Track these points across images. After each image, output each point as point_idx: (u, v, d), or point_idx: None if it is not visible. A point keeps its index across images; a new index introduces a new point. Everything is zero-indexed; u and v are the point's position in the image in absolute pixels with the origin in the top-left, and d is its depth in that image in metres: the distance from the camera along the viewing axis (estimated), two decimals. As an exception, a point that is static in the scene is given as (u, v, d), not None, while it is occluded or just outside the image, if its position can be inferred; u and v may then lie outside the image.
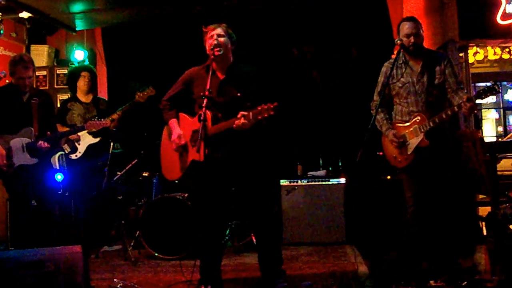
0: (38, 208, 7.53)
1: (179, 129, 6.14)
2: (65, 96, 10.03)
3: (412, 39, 6.09)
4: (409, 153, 6.14)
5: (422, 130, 6.01)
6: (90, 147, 8.36)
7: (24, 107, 7.36)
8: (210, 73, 5.72)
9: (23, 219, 7.39)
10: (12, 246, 8.69)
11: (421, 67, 6.19)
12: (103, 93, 10.00)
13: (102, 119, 7.53)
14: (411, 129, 6.12)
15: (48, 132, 7.30)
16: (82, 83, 8.74)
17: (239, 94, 5.80)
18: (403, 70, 6.28)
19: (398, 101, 6.37)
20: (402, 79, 6.26)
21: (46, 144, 7.17)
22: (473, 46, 10.22)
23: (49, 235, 7.52)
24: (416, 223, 6.21)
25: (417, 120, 6.08)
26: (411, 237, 6.30)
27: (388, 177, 8.39)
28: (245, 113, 5.45)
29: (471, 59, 10.25)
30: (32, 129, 7.26)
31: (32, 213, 7.41)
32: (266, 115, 5.39)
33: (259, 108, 5.40)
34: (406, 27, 6.15)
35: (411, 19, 6.25)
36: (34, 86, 9.77)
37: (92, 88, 8.85)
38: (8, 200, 9.14)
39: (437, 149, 6.08)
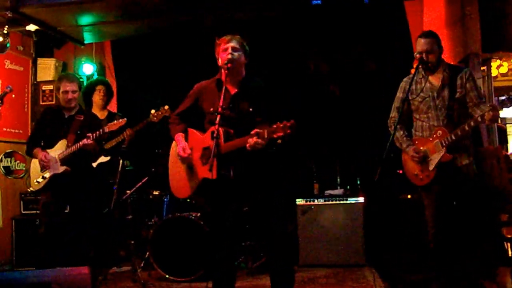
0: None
1: (184, 142, 6.06)
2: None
3: (425, 57, 6.17)
4: (430, 169, 6.14)
5: (444, 144, 6.02)
6: (100, 165, 8.40)
7: (64, 123, 7.70)
8: (223, 88, 5.68)
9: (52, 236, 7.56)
10: (17, 266, 8.76)
11: (441, 81, 6.23)
12: (113, 108, 10.02)
13: (117, 120, 7.58)
14: (433, 144, 6.13)
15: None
16: (97, 98, 8.84)
17: (251, 110, 5.77)
18: (423, 84, 6.32)
19: (418, 116, 6.38)
20: (421, 93, 6.30)
21: (90, 141, 7.35)
22: (496, 59, 10.20)
23: (56, 255, 7.57)
24: (438, 244, 6.19)
25: (438, 135, 6.09)
26: (432, 258, 6.29)
27: (409, 196, 8.37)
28: (260, 131, 5.33)
29: (494, 72, 10.24)
30: (66, 140, 7.55)
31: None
32: (282, 133, 5.22)
33: (275, 126, 5.24)
34: (419, 44, 6.25)
35: (426, 34, 6.31)
36: (41, 101, 9.92)
37: (108, 102, 8.92)
38: (13, 219, 9.23)
39: (459, 165, 6.07)
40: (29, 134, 8.43)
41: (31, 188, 8.06)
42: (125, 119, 7.59)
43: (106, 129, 7.47)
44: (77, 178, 7.61)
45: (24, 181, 10.01)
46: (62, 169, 7.49)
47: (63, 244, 7.65)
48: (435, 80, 6.29)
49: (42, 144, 7.74)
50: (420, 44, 6.24)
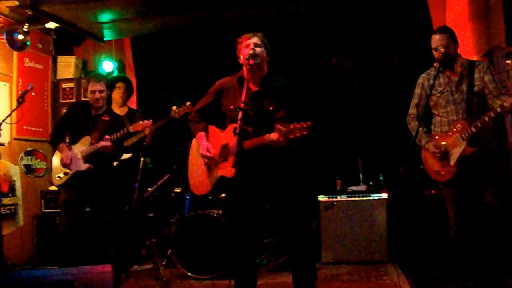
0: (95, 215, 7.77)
1: (207, 143, 6.09)
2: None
3: (438, 53, 6.19)
4: (452, 164, 6.11)
5: (465, 137, 6.00)
6: (121, 163, 8.43)
7: (91, 121, 7.78)
8: (245, 84, 5.69)
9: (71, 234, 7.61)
10: (38, 265, 8.80)
11: (459, 75, 6.23)
12: (133, 105, 10.04)
13: (144, 120, 7.61)
14: (453, 138, 6.11)
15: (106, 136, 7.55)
16: (117, 95, 8.87)
17: (271, 108, 5.76)
18: (441, 80, 6.32)
19: (436, 112, 6.37)
20: (440, 88, 6.30)
21: (108, 143, 7.42)
22: (521, 52, 10.13)
23: (77, 253, 7.62)
24: (460, 241, 6.17)
25: (458, 128, 6.07)
26: (456, 255, 6.26)
27: (433, 191, 8.33)
28: (281, 128, 5.33)
29: (519, 65, 10.18)
30: (90, 137, 7.61)
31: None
32: (298, 134, 5.25)
33: (292, 126, 5.27)
34: (434, 41, 6.27)
35: (441, 30, 6.33)
36: (61, 99, 9.99)
37: (127, 99, 8.95)
38: (34, 218, 9.27)
39: (481, 158, 6.04)
40: (55, 124, 8.41)
41: (52, 184, 8.12)
42: (150, 120, 7.63)
43: (131, 129, 7.52)
44: (98, 176, 7.65)
45: (45, 179, 10.04)
46: (85, 166, 7.54)
47: (83, 243, 7.69)
48: (453, 75, 6.29)
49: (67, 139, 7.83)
50: (435, 40, 6.26)
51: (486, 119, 5.83)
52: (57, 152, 7.83)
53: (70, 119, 7.95)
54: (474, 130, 5.92)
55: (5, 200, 9.26)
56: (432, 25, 8.90)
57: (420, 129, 6.39)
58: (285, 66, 6.53)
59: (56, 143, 7.86)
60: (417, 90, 6.58)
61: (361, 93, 10.29)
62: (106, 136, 7.42)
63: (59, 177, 7.64)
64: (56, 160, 7.79)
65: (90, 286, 5.25)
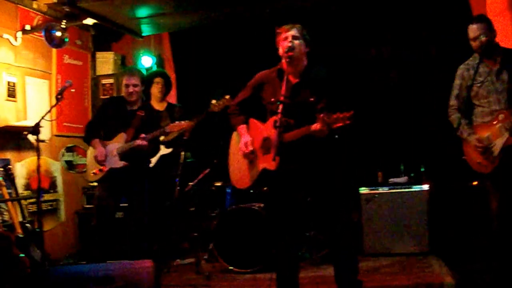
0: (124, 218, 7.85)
1: (248, 136, 6.11)
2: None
3: (478, 42, 6.11)
4: (495, 155, 6.00)
5: (508, 127, 5.90)
6: (162, 157, 8.49)
7: (126, 116, 7.79)
8: (285, 77, 5.69)
9: (101, 226, 7.70)
10: (80, 260, 8.89)
11: (499, 64, 6.15)
12: (172, 100, 10.07)
13: (181, 122, 7.64)
14: (496, 128, 6.02)
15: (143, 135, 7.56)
16: (155, 90, 8.90)
17: (312, 99, 5.70)
18: (480, 70, 6.21)
19: (477, 102, 6.29)
20: (480, 78, 6.20)
21: (144, 142, 7.44)
22: None
23: (121, 247, 7.68)
24: (504, 236, 6.11)
25: (501, 118, 5.99)
26: (498, 248, 6.20)
27: (475, 182, 8.27)
28: (325, 118, 5.30)
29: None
30: (125, 134, 7.62)
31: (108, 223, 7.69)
32: (341, 123, 5.25)
33: (335, 116, 5.25)
34: (471, 30, 6.19)
35: (477, 19, 6.25)
36: (101, 95, 10.08)
37: (166, 94, 8.99)
38: (76, 213, 9.38)
39: None
40: (89, 121, 8.49)
41: (87, 181, 8.20)
42: (187, 122, 7.63)
43: (168, 129, 7.56)
44: (134, 173, 7.69)
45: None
46: (120, 164, 7.57)
47: (123, 239, 7.76)
48: (493, 64, 6.21)
49: (101, 134, 7.88)
50: (472, 30, 6.18)
51: None
52: (91, 148, 7.88)
53: (104, 115, 7.99)
54: None
55: (47, 196, 9.38)
56: (471, 14, 8.82)
57: (462, 121, 6.33)
58: (324, 57, 6.47)
59: (89, 139, 7.89)
60: (457, 81, 6.49)
61: (401, 84, 10.22)
62: (142, 135, 7.46)
63: (94, 173, 7.69)
64: (90, 156, 7.85)
65: (131, 281, 5.30)
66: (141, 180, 7.76)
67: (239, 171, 6.29)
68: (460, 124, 6.30)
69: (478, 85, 6.20)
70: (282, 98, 5.52)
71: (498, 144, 5.98)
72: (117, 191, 7.70)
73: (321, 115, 5.35)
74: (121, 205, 7.92)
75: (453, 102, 6.50)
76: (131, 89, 7.71)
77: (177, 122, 7.60)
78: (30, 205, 8.80)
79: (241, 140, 6.11)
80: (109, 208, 7.67)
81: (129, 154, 7.57)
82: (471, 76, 6.23)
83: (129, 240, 7.71)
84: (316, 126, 5.42)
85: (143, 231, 7.71)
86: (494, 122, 6.05)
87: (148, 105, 8.26)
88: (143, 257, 6.07)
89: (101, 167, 7.61)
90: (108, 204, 7.65)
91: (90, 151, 7.88)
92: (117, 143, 7.64)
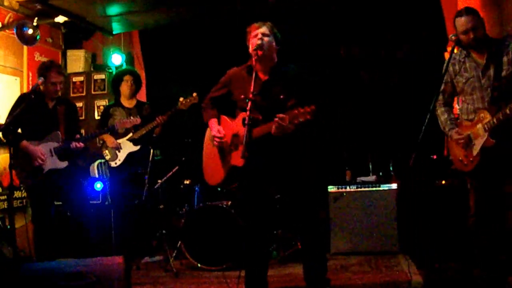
0: (69, 216, 7.77)
1: (218, 126, 6.14)
2: (102, 102, 10.18)
3: (471, 35, 5.84)
4: (474, 154, 5.93)
5: (487, 128, 5.78)
6: (130, 155, 8.47)
7: (50, 114, 7.61)
8: (254, 74, 5.67)
9: (44, 228, 7.61)
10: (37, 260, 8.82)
11: (486, 59, 5.93)
12: (142, 99, 10.06)
13: (133, 118, 7.62)
14: (476, 128, 5.92)
15: (77, 135, 7.51)
16: (125, 88, 8.85)
17: (282, 96, 5.74)
18: (467, 64, 6.04)
19: (463, 98, 6.18)
20: (465, 74, 6.04)
21: (80, 144, 7.39)
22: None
23: (82, 245, 7.64)
24: (477, 233, 6.11)
25: (482, 118, 5.84)
26: (474, 245, 6.19)
27: (443, 181, 8.30)
28: (282, 116, 5.35)
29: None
30: (59, 133, 7.50)
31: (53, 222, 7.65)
32: (302, 119, 5.28)
33: (295, 111, 5.29)
34: (460, 23, 5.90)
35: (466, 11, 5.94)
36: (72, 93, 10.05)
37: (136, 92, 8.95)
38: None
39: (504, 150, 5.81)
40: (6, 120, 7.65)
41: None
42: (139, 118, 7.64)
43: (117, 126, 7.60)
44: (70, 172, 7.63)
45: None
46: (63, 164, 7.49)
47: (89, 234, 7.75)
48: (479, 58, 5.99)
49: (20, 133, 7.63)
50: (461, 23, 5.89)
51: (508, 111, 5.56)
52: (21, 149, 7.45)
53: (22, 114, 7.28)
54: (495, 122, 5.70)
55: (17, 194, 9.30)
56: (442, 13, 8.85)
57: (446, 116, 6.26)
58: (293, 55, 6.48)
59: (18, 141, 7.45)
60: (444, 76, 6.26)
61: (370, 83, 10.26)
62: (77, 136, 7.43)
63: (31, 177, 7.48)
64: (24, 158, 7.45)
65: (102, 277, 5.27)
66: (74, 179, 7.75)
67: (212, 167, 6.30)
68: (444, 119, 6.26)
69: (463, 80, 6.02)
70: (250, 96, 5.51)
71: (477, 144, 5.88)
72: (53, 191, 7.62)
73: (279, 115, 5.39)
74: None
75: (439, 97, 6.37)
76: (58, 87, 7.58)
77: (128, 119, 7.60)
78: (1, 202, 8.72)
79: (213, 130, 6.12)
80: (47, 207, 7.61)
81: (66, 153, 7.48)
82: (456, 71, 6.11)
83: (94, 238, 7.69)
84: (272, 129, 5.50)
85: (115, 228, 7.69)
86: (476, 121, 5.96)
87: (65, 99, 8.22)
88: (113, 254, 6.05)
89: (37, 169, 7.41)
90: (46, 203, 7.61)
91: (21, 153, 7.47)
92: (52, 143, 7.49)
